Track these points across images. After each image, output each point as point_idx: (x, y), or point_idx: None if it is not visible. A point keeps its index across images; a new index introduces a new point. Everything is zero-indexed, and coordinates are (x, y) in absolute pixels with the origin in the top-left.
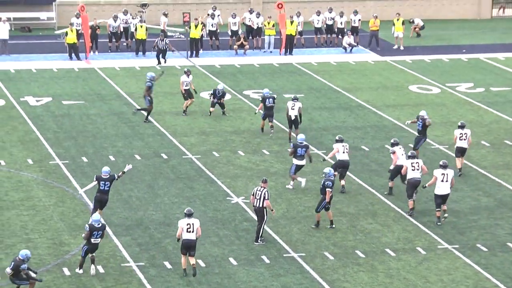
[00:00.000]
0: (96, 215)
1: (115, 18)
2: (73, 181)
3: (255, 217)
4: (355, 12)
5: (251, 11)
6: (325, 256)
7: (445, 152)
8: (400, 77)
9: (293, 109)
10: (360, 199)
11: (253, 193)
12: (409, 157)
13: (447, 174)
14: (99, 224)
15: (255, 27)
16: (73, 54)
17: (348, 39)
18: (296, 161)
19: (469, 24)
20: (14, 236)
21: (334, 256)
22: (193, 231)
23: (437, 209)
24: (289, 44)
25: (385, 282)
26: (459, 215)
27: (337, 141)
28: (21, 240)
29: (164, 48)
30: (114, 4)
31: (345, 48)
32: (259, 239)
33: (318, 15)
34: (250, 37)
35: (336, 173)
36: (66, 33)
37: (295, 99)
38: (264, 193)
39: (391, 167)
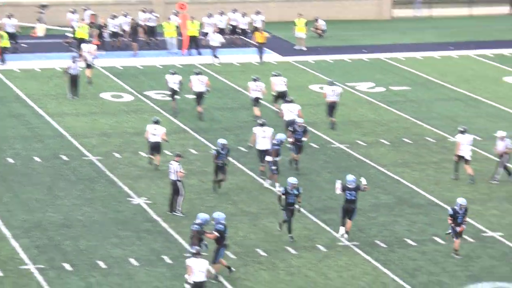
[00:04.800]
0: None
1: (10, 16)
2: None
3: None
4: (257, 13)
5: (144, 11)
6: (226, 255)
7: (347, 151)
8: (302, 77)
9: (202, 83)
10: (262, 198)
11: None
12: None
13: (265, 131)
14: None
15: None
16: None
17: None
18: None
19: (370, 25)
20: None
21: (236, 255)
22: (156, 135)
23: (261, 164)
24: (195, 44)
25: (285, 280)
26: (359, 212)
27: (285, 101)
28: None
29: (77, 73)
30: (13, 6)
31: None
32: (177, 211)
33: (221, 16)
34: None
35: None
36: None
37: (198, 73)
38: (176, 166)
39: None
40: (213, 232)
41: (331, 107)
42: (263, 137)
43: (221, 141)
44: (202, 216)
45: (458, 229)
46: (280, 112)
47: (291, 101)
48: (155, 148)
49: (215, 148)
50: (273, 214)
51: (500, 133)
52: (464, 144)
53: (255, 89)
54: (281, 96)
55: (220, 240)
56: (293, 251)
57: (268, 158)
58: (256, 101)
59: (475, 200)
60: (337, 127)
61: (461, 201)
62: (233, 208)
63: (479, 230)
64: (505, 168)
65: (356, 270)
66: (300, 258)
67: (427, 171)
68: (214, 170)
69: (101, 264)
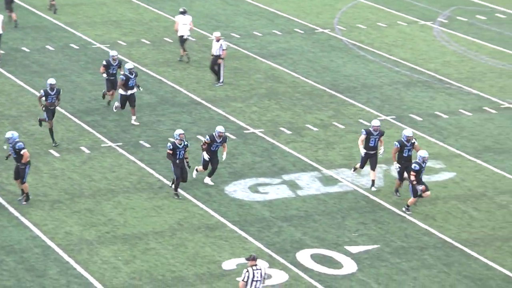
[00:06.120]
0: None
1: None
2: None
3: None
4: None
5: None
6: None
7: (107, 52)
8: None
9: None
10: (22, 101)
11: None
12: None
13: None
14: None
15: None
16: None
17: None
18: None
19: None
20: None
21: None
22: None
23: None
24: None
25: (49, 183)
26: (122, 114)
27: None
28: None
29: None
30: None
31: None
32: None
33: None
34: None
35: None
36: None
37: None
38: None
39: None
40: (22, 152)
41: None
42: None
43: (50, 81)
44: None
45: (420, 188)
46: None
47: None
48: None
49: (43, 88)
50: (33, 117)
51: (215, 34)
52: (183, 24)
53: None
54: None
55: (21, 158)
56: (56, 154)
57: (120, 91)
58: None
59: (236, 98)
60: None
61: (424, 153)
62: None
63: (240, 127)
64: (217, 71)
65: (121, 171)
66: (64, 161)
67: (188, 70)
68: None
69: None
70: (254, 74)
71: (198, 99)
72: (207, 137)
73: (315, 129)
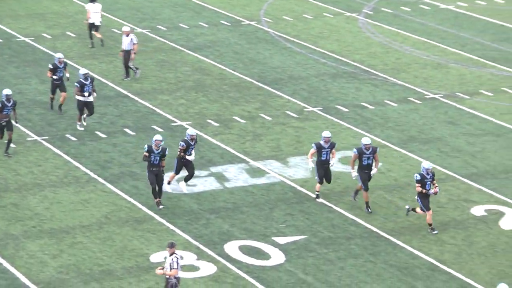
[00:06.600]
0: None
1: None
2: None
3: None
4: None
5: None
6: None
7: (32, 45)
8: None
9: None
10: None
11: None
12: None
13: None
14: None
15: None
16: None
17: None
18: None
19: None
20: None
21: None
22: None
23: None
24: None
25: None
26: (47, 108)
27: None
28: None
29: None
30: None
31: None
32: None
33: None
34: None
35: None
36: None
37: None
38: None
39: None
40: None
41: None
42: None
43: (6, 91)
44: None
45: (431, 191)
46: None
47: None
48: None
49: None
50: None
51: (124, 29)
52: (94, 12)
53: None
54: None
55: None
56: None
57: (77, 97)
58: None
59: (163, 90)
60: None
61: (427, 165)
62: None
63: (167, 120)
64: (129, 67)
65: (47, 165)
66: None
67: (114, 63)
68: None
69: None
70: (181, 67)
71: (125, 92)
72: (182, 143)
73: (242, 121)
